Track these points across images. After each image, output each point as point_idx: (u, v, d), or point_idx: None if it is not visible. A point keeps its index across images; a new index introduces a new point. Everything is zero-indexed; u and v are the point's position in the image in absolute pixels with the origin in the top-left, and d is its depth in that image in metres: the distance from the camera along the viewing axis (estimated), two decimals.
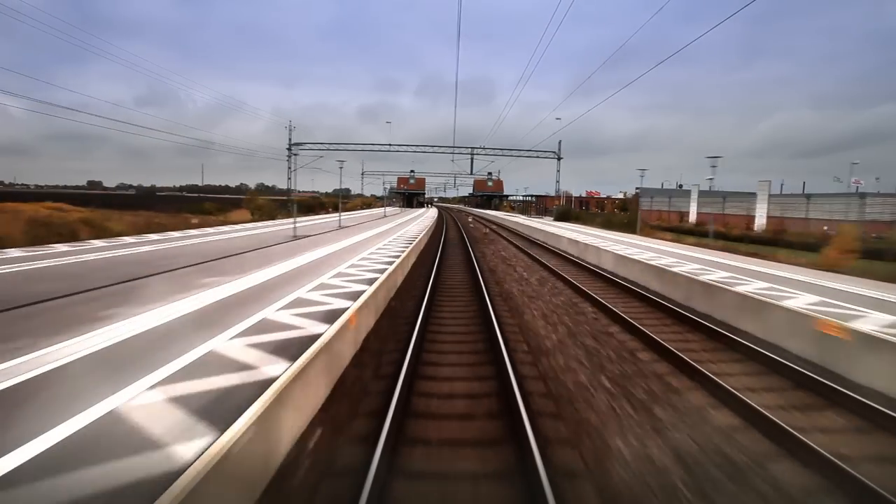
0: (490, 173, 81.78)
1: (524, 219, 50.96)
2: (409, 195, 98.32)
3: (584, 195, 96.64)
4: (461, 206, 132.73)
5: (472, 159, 56.99)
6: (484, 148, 56.10)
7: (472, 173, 62.77)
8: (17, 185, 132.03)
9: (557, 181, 53.67)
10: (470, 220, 53.19)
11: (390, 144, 57.57)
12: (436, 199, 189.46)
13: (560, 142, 54.19)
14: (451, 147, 57.11)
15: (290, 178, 53.68)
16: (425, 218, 41.04)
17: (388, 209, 58.31)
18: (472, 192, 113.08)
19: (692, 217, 49.18)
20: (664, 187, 68.12)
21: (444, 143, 67.97)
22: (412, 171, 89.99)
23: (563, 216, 48.82)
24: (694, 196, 51.52)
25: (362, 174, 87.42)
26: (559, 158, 53.66)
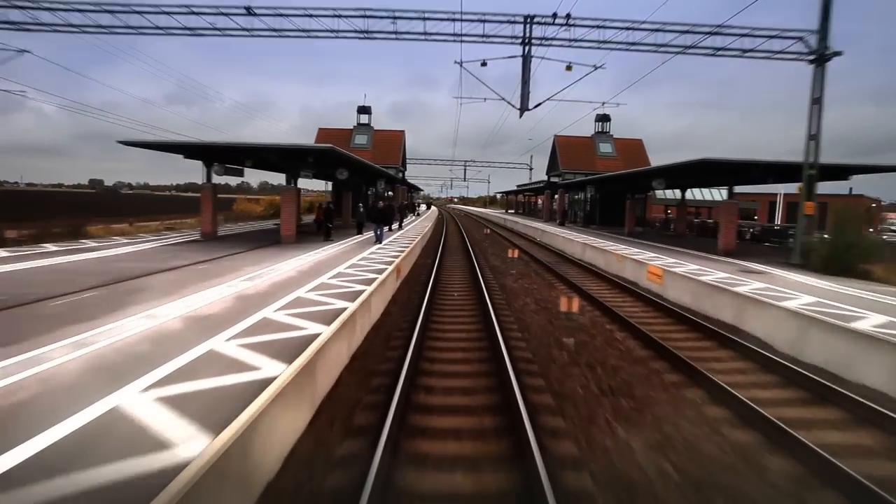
0: (606, 116, 39.19)
1: None
2: (348, 186, 26.26)
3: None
4: (511, 219, 46.33)
5: (465, 170, 44.06)
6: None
7: (464, 179, 43.43)
8: (8, 183, 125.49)
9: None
10: None
11: None
12: (455, 200, 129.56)
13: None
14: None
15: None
16: None
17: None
18: (548, 174, 42.50)
19: None
20: None
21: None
22: (364, 114, 40.00)
23: None
24: None
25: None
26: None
